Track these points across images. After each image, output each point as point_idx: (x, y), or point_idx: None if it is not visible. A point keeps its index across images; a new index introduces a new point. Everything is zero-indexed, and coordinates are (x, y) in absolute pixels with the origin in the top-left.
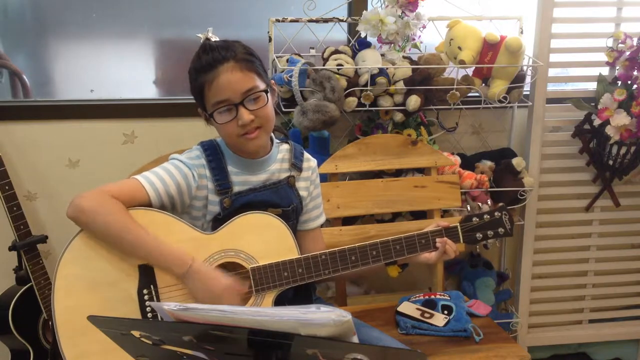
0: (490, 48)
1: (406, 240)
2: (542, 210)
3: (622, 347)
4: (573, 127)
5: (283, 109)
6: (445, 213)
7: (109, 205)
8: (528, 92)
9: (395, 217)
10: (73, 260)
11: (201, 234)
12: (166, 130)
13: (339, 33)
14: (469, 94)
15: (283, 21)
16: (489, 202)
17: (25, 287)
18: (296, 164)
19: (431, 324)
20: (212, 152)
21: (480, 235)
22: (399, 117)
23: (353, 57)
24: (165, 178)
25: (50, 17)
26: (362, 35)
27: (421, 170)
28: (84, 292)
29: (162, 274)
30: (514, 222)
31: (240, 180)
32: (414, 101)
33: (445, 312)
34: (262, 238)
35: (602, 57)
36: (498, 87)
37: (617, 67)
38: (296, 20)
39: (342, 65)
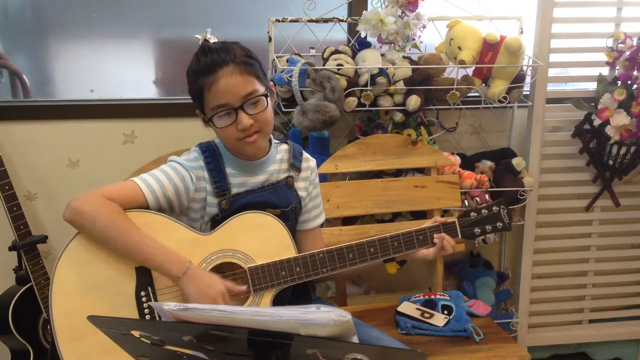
0: (490, 48)
1: (404, 237)
2: (542, 210)
3: (622, 347)
4: (573, 127)
5: (283, 109)
6: (445, 213)
7: (106, 208)
8: (528, 92)
9: (395, 217)
10: (70, 263)
11: (199, 235)
12: (166, 130)
13: (339, 33)
14: (469, 94)
15: (283, 21)
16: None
17: (25, 287)
18: (295, 164)
19: (431, 324)
20: (211, 154)
21: (479, 230)
22: (399, 117)
23: (353, 57)
24: (163, 180)
25: (50, 17)
26: (362, 35)
27: (421, 170)
28: (82, 295)
29: (160, 275)
30: (514, 221)
31: (239, 181)
32: (414, 101)
33: (445, 312)
34: (259, 237)
35: (602, 57)
36: (498, 87)
37: (617, 67)
38: (296, 20)
39: (342, 65)
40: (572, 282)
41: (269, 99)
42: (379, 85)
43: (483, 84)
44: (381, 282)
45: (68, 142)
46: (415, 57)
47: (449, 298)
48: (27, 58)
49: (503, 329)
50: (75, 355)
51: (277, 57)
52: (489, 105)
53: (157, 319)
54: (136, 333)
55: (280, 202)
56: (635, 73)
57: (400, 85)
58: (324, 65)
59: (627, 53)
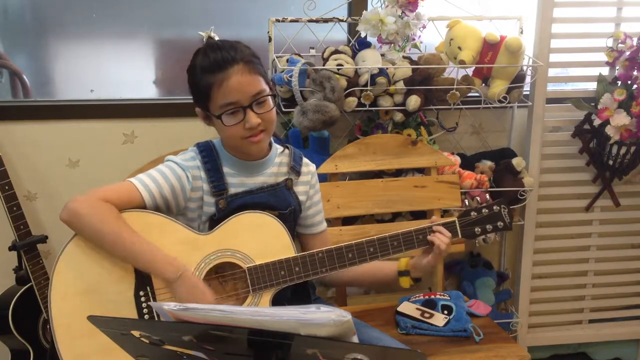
0: (490, 48)
1: (403, 237)
2: (542, 210)
3: (622, 347)
4: (573, 127)
5: (283, 109)
6: (445, 213)
7: (101, 210)
8: (528, 92)
9: (395, 217)
10: (69, 263)
11: (197, 235)
12: (166, 130)
13: (339, 33)
14: (469, 94)
15: (283, 21)
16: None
17: (25, 287)
18: (295, 168)
19: (431, 324)
20: (208, 154)
21: (479, 230)
22: (399, 117)
23: (353, 57)
24: (159, 180)
25: (50, 17)
26: (362, 35)
27: (421, 170)
28: (81, 295)
29: None
30: (514, 221)
31: (236, 181)
32: (414, 101)
33: (445, 312)
34: (258, 237)
35: (602, 57)
36: (498, 87)
37: (617, 67)
38: (296, 20)
39: (342, 65)
40: (572, 282)
41: (273, 99)
42: (379, 85)
43: (483, 84)
44: None
45: (68, 142)
46: (415, 57)
47: (449, 298)
48: (27, 58)
49: (503, 329)
50: (74, 354)
51: (277, 57)
52: (489, 105)
53: (156, 318)
54: (136, 333)
55: (279, 204)
56: (635, 73)
57: (400, 85)
58: (324, 65)
59: (627, 53)
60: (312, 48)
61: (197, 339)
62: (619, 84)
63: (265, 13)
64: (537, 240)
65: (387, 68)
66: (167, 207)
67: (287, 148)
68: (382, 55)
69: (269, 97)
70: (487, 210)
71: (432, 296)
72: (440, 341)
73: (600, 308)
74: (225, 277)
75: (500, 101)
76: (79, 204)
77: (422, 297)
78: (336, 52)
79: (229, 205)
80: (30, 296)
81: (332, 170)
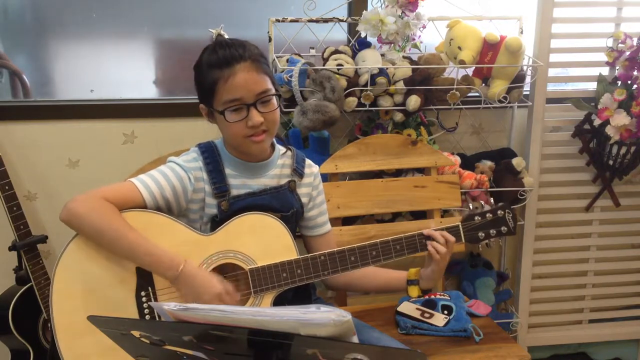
0: (490, 48)
1: (406, 240)
2: (542, 210)
3: (622, 347)
4: (573, 127)
5: (283, 109)
6: (445, 213)
7: (100, 209)
8: (528, 92)
9: (395, 217)
10: (70, 264)
11: (199, 236)
12: (166, 130)
13: (339, 33)
14: (469, 94)
15: (283, 21)
16: (492, 202)
17: (25, 287)
18: (298, 170)
19: (431, 324)
20: (210, 155)
21: (483, 235)
22: (399, 117)
23: (353, 57)
24: (161, 181)
25: (50, 17)
26: (362, 35)
27: (421, 170)
28: (82, 295)
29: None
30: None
31: (238, 183)
32: (414, 101)
33: (445, 312)
34: (260, 239)
35: (602, 57)
36: (498, 87)
37: (617, 67)
38: (296, 20)
39: (342, 65)
40: (572, 282)
41: (278, 99)
42: (379, 85)
43: (483, 84)
44: None
45: (68, 142)
46: (415, 57)
47: (449, 298)
48: (27, 58)
49: (503, 329)
50: (75, 354)
51: (277, 57)
52: (489, 105)
53: (157, 319)
54: (136, 333)
55: (281, 206)
56: (635, 73)
57: (400, 85)
58: (324, 65)
59: (627, 53)
60: (312, 48)
61: (197, 339)
62: (619, 84)
63: (265, 13)
64: (537, 240)
65: (387, 68)
66: (169, 208)
67: (290, 150)
68: (382, 55)
69: (274, 97)
70: (491, 215)
71: (432, 296)
72: (440, 341)
73: (600, 308)
74: (227, 278)
75: (500, 101)
76: (78, 203)
77: (422, 297)
78: (336, 52)
79: (231, 207)
80: (30, 296)
81: (332, 170)
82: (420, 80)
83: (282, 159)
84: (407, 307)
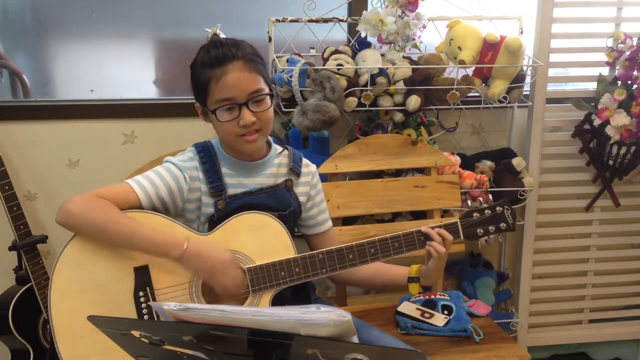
0: (490, 48)
1: (405, 237)
2: (542, 210)
3: (622, 347)
4: (573, 127)
5: (283, 109)
6: (445, 213)
7: (98, 205)
8: (528, 92)
9: (395, 217)
10: (68, 265)
11: (196, 235)
12: (166, 130)
13: (339, 33)
14: (469, 94)
15: (283, 21)
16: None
17: (25, 287)
18: (295, 169)
19: (431, 324)
20: (206, 154)
21: (482, 231)
22: (399, 117)
23: (353, 57)
24: (156, 181)
25: (50, 17)
26: (362, 35)
27: (421, 170)
28: (80, 295)
29: (158, 275)
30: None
31: (235, 182)
32: (414, 101)
33: (445, 312)
34: (258, 238)
35: (602, 57)
36: (498, 87)
37: (617, 67)
38: (296, 20)
39: (342, 65)
40: (572, 282)
41: (271, 99)
42: (379, 85)
43: (483, 84)
44: None
45: (68, 142)
46: (415, 57)
47: (449, 298)
48: (27, 58)
49: (503, 329)
50: (74, 355)
51: (277, 57)
52: (489, 105)
53: (156, 319)
54: (136, 333)
55: (278, 205)
56: (635, 73)
57: (400, 85)
58: (324, 65)
59: (627, 53)
60: (312, 48)
61: (197, 339)
62: (619, 84)
63: (265, 13)
64: (537, 240)
65: (387, 68)
66: (165, 208)
67: (287, 149)
68: (382, 55)
69: (267, 97)
70: (489, 211)
71: (432, 296)
72: (440, 341)
73: (600, 308)
74: None
75: (500, 101)
76: (72, 203)
77: (422, 297)
78: (336, 52)
79: (228, 207)
80: (30, 296)
81: (332, 170)
82: (420, 80)
83: (278, 158)
84: (407, 307)
